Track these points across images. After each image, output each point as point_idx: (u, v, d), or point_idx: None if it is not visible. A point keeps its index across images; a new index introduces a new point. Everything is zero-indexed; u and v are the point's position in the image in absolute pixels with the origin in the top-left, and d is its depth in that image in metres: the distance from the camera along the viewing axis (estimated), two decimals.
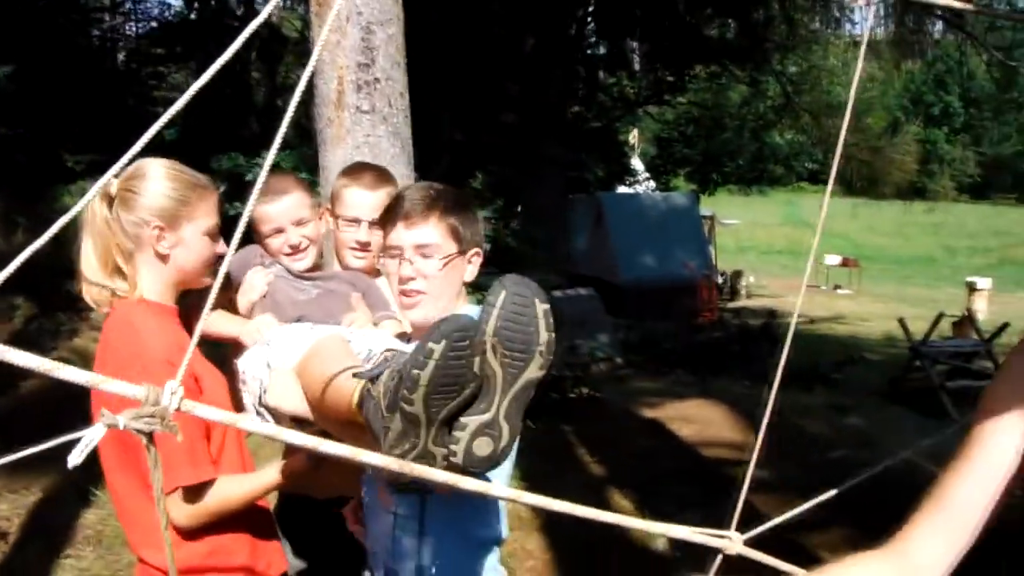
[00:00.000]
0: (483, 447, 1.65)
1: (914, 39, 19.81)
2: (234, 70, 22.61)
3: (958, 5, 1.61)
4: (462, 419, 1.64)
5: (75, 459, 0.92)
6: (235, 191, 11.15)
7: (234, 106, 20.24)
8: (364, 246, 2.96)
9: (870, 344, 15.81)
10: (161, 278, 2.38)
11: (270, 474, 2.37)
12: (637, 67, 22.88)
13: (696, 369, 11.94)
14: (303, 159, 11.91)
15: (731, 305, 20.26)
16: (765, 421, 1.68)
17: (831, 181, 1.56)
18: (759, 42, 18.55)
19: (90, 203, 2.24)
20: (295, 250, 2.85)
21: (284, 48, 24.68)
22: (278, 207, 2.79)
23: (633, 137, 27.28)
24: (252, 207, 2.88)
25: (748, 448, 7.58)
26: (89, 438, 0.91)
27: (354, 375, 1.84)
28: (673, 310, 16.44)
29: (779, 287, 25.64)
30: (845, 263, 27.86)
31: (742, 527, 1.46)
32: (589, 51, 21.56)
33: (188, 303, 2.52)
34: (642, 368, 12.50)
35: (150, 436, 0.93)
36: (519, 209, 16.97)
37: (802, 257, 31.42)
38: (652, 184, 26.49)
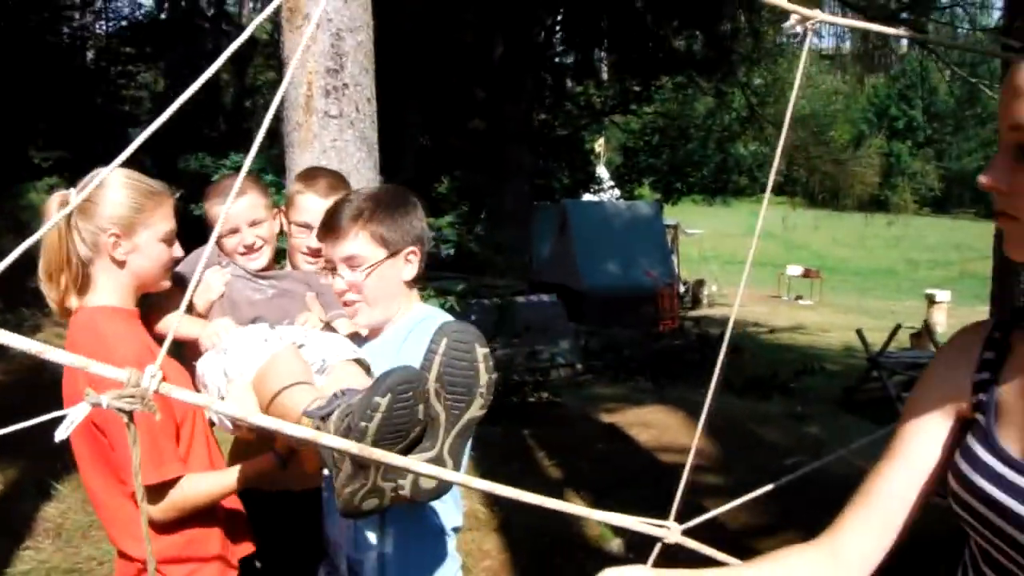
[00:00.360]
0: (429, 481, 1.77)
1: (878, 54, 20.10)
2: (202, 70, 22.57)
3: (901, 33, 1.72)
4: (409, 455, 1.73)
5: (61, 434, 1.00)
6: (201, 192, 11.09)
7: (202, 107, 20.20)
8: (315, 252, 2.98)
9: (829, 354, 16.02)
10: (120, 283, 2.41)
11: (235, 474, 2.41)
12: (604, 76, 23.06)
13: (655, 376, 12.07)
14: (270, 161, 11.92)
15: (692, 314, 20.44)
16: (703, 418, 1.79)
17: (767, 192, 1.67)
18: (725, 54, 18.74)
19: (47, 211, 2.32)
20: (249, 250, 2.92)
21: (253, 50, 24.63)
22: (236, 207, 2.84)
23: (599, 146, 27.42)
24: (207, 207, 2.87)
25: (701, 451, 7.73)
26: (74, 416, 0.99)
27: (304, 413, 1.92)
28: (635, 318, 16.60)
29: (742, 297, 25.83)
30: (807, 274, 28.10)
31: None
32: (557, 59, 21.71)
33: (149, 303, 2.57)
34: (602, 374, 12.62)
35: (131, 416, 1.01)
36: (484, 215, 17.07)
37: (766, 268, 31.69)
38: (617, 192, 26.62)
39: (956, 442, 1.45)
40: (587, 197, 24.58)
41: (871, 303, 27.10)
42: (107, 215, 2.33)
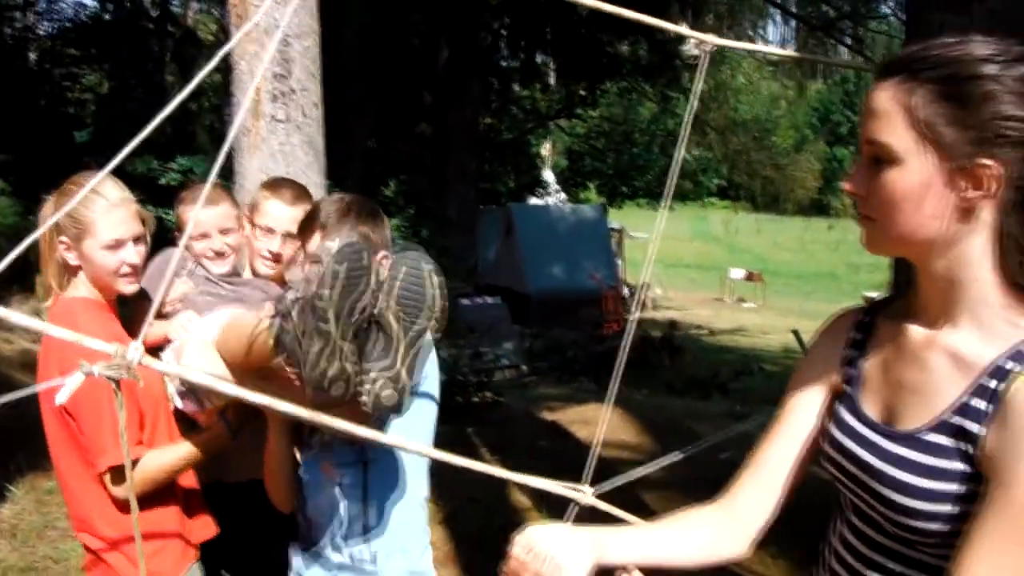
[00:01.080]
0: (387, 393, 1.94)
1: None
2: (147, 71, 22.46)
3: (786, 54, 1.95)
4: (371, 373, 1.92)
5: (62, 398, 1.19)
6: (149, 195, 11.20)
7: (147, 108, 20.09)
8: (276, 257, 3.13)
9: (769, 355, 16.32)
10: (87, 282, 2.59)
11: (189, 445, 2.57)
12: (550, 81, 23.31)
13: (598, 377, 12.28)
14: (221, 165, 11.96)
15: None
16: (611, 396, 2.02)
17: (668, 195, 1.89)
18: (668, 59, 19.08)
19: (42, 215, 2.53)
20: (217, 255, 3.06)
21: (199, 51, 24.53)
22: (209, 214, 2.97)
23: (545, 150, 27.68)
24: (180, 211, 3.04)
25: (639, 446, 7.97)
26: (71, 383, 1.18)
27: (269, 324, 2.07)
28: (579, 320, 16.83)
29: (685, 300, 26.21)
30: (750, 277, 28.44)
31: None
32: (503, 63, 21.91)
33: (131, 313, 2.74)
34: (546, 375, 12.84)
35: (118, 384, 1.20)
36: (430, 218, 17.23)
37: (710, 271, 32.09)
38: (563, 196, 26.87)
39: (830, 412, 1.69)
40: (533, 201, 24.75)
41: (813, 306, 27.52)
42: (63, 222, 2.48)
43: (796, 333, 12.32)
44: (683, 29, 1.76)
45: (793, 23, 17.80)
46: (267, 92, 5.70)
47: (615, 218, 27.39)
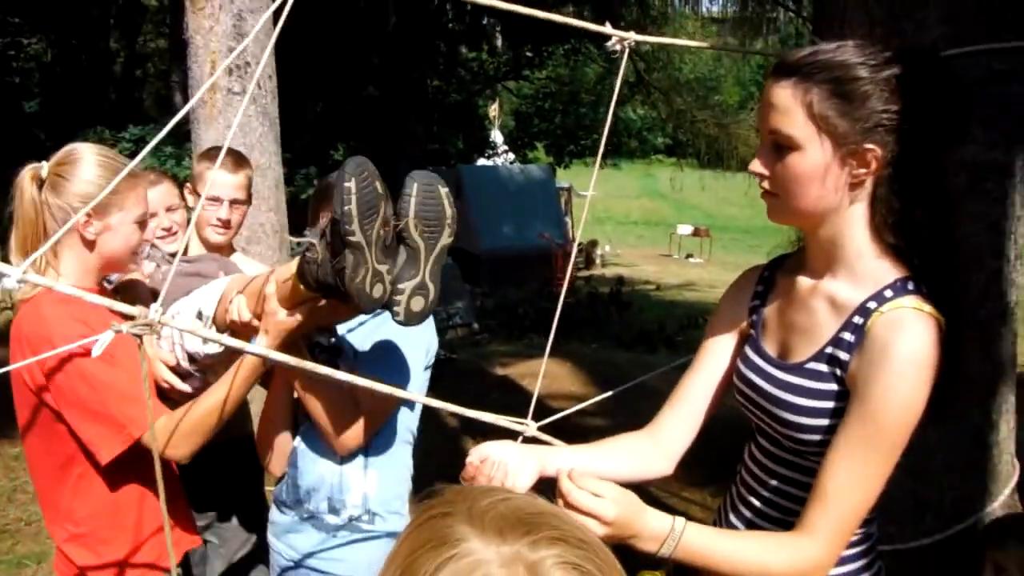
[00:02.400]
0: (418, 303, 2.10)
1: (758, 20, 20.75)
2: (90, 40, 22.21)
3: (702, 45, 2.25)
4: (399, 285, 2.06)
5: (96, 351, 1.44)
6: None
7: (92, 76, 19.94)
8: (225, 223, 3.33)
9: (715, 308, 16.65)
10: (83, 263, 2.42)
11: (226, 380, 2.40)
12: (498, 43, 23.41)
13: (548, 333, 12.54)
14: (169, 134, 12.03)
15: (584, 273, 20.91)
16: (550, 344, 2.31)
17: (598, 162, 2.18)
18: (613, 21, 19.21)
19: (20, 184, 2.34)
20: (167, 232, 3.20)
21: (143, 17, 24.29)
22: (153, 194, 2.89)
23: (493, 111, 27.79)
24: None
25: (586, 397, 8.22)
26: (103, 339, 1.43)
27: (296, 268, 2.16)
28: (529, 278, 17.10)
29: (633, 256, 26.51)
30: (696, 233, 28.69)
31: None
32: (450, 26, 21.98)
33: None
34: (497, 333, 13.09)
35: (141, 339, 1.46)
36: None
37: (657, 227, 32.40)
38: (511, 157, 27.03)
39: (739, 353, 2.05)
40: (481, 162, 24.89)
41: (758, 259, 27.21)
42: (80, 193, 2.32)
43: None
44: (601, 27, 2.05)
45: None
46: (222, 66, 5.87)
47: (563, 177, 27.60)
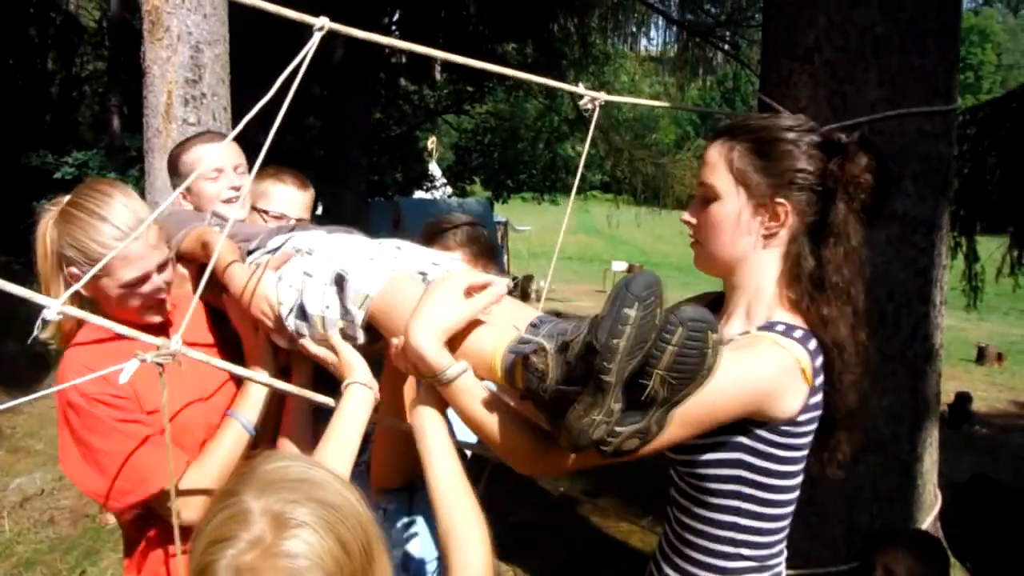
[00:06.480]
0: (631, 444, 1.71)
1: (697, 62, 21.18)
2: (26, 58, 21.92)
3: (668, 106, 2.44)
4: (619, 428, 1.67)
5: (123, 379, 1.56)
6: (43, 188, 11.18)
7: (28, 98, 19.73)
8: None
9: None
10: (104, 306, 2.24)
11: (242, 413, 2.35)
12: (438, 77, 23.58)
13: None
14: (111, 160, 12.03)
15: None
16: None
17: (572, 195, 2.34)
18: (555, 59, 19.50)
19: (40, 221, 2.20)
20: (236, 192, 2.78)
21: (80, 38, 24.07)
22: (219, 151, 2.75)
23: (432, 144, 27.91)
24: (186, 156, 2.90)
25: None
26: (131, 367, 1.56)
27: (510, 351, 1.82)
28: None
29: (569, 292, 26.80)
30: (631, 269, 29.11)
31: None
32: (393, 59, 22.11)
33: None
34: None
35: (163, 367, 1.59)
36: (320, 212, 17.36)
37: (592, 263, 32.67)
38: (449, 190, 27.16)
39: None
40: (419, 194, 25.04)
41: (693, 294, 28.22)
42: (68, 250, 2.16)
43: None
44: (575, 88, 2.24)
45: (674, 28, 18.46)
46: (179, 96, 5.98)
47: (500, 212, 27.83)
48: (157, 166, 6.00)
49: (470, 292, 1.90)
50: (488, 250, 2.81)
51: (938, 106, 3.23)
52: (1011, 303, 24.20)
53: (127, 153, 11.84)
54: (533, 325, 1.83)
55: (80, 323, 2.21)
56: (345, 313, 2.09)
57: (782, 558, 2.01)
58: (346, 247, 2.30)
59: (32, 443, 7.87)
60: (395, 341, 1.94)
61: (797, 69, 3.35)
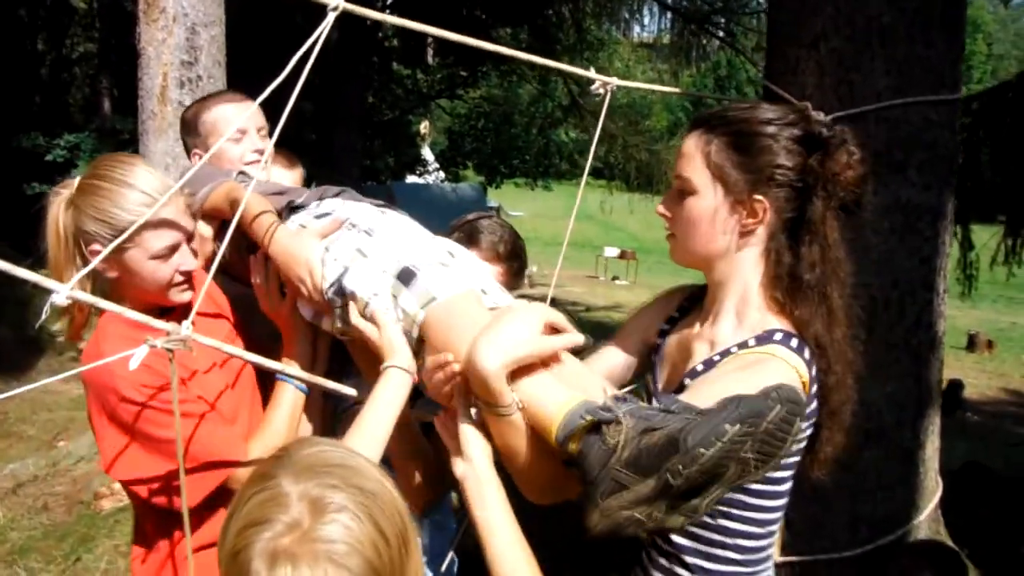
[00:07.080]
0: (676, 524, 1.61)
1: (692, 49, 21.15)
2: (16, 39, 21.76)
3: (679, 92, 2.42)
4: (674, 511, 1.57)
5: (133, 365, 1.54)
6: (34, 171, 11.16)
7: (19, 79, 19.60)
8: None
9: None
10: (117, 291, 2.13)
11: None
12: (431, 61, 23.51)
13: None
14: (103, 142, 11.96)
15: (513, 294, 20.95)
16: None
17: (583, 179, 2.32)
18: (549, 44, 19.44)
19: (49, 204, 2.06)
20: (260, 155, 2.70)
21: (71, 19, 23.89)
22: (243, 108, 2.67)
23: (424, 128, 27.86)
24: (206, 115, 2.76)
25: None
26: (138, 353, 1.54)
27: (582, 412, 1.64)
28: None
29: (561, 277, 26.74)
30: (623, 255, 29.12)
31: None
32: (386, 43, 22.02)
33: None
34: None
35: (172, 352, 1.57)
36: None
37: (585, 249, 32.68)
38: (442, 175, 27.14)
39: (644, 359, 2.23)
40: (412, 179, 25.01)
41: (684, 282, 28.27)
42: (91, 224, 2.02)
43: None
44: (586, 72, 2.21)
45: (669, 14, 18.41)
46: (174, 79, 5.93)
47: (493, 197, 27.83)
48: (152, 148, 5.98)
49: (548, 330, 1.81)
50: (521, 270, 2.91)
51: (943, 95, 3.23)
52: (1000, 290, 24.27)
53: (119, 136, 11.78)
54: (617, 399, 1.68)
55: (89, 316, 2.12)
56: (395, 306, 2.02)
57: (770, 562, 1.99)
58: (407, 237, 2.26)
59: (25, 428, 7.83)
60: (442, 357, 1.85)
61: (804, 57, 3.33)
